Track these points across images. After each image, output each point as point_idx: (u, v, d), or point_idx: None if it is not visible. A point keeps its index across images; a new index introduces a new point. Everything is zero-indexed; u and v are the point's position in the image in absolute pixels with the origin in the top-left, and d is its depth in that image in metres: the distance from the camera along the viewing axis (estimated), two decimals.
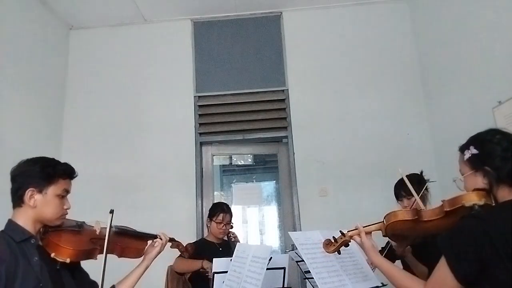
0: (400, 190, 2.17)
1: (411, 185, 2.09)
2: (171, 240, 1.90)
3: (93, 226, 1.58)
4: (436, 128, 3.35)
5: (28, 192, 1.38)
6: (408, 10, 3.72)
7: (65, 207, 1.47)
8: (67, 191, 1.49)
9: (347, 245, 1.53)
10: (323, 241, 1.57)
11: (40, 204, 1.40)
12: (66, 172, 1.48)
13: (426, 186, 2.01)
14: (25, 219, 1.39)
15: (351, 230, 1.53)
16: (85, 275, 1.60)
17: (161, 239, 1.77)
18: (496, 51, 2.51)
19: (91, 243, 1.50)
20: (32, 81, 3.24)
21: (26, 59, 3.18)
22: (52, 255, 1.38)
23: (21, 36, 3.14)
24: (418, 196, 1.91)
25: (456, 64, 2.98)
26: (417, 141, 3.38)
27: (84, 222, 1.60)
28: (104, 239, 1.44)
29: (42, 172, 1.41)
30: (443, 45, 3.16)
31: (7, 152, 2.80)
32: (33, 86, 3.25)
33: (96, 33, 3.87)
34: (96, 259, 1.50)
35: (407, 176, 2.19)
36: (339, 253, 1.54)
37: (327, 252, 1.53)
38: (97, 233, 1.55)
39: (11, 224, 1.39)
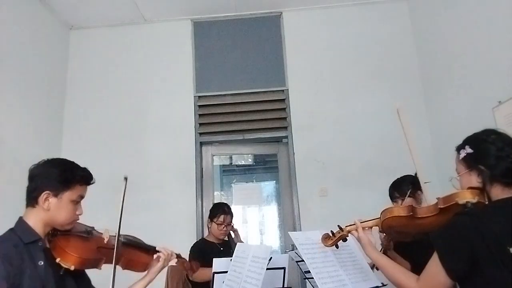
0: (394, 191, 2.22)
1: (405, 186, 2.15)
2: (177, 256, 1.80)
3: (101, 234, 1.56)
4: (436, 128, 3.35)
5: (44, 195, 1.36)
6: (408, 10, 3.71)
7: (77, 212, 1.46)
8: (82, 197, 1.47)
9: (345, 239, 1.56)
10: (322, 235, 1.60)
11: (54, 208, 1.38)
12: (84, 179, 1.47)
13: (420, 187, 2.02)
14: (36, 221, 1.37)
15: (349, 225, 1.56)
16: (88, 282, 1.57)
17: (164, 253, 1.68)
18: (496, 51, 2.50)
19: (98, 252, 1.48)
20: (32, 81, 3.24)
21: (26, 59, 3.18)
22: (57, 260, 1.36)
23: (21, 36, 3.14)
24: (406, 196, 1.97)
25: (456, 64, 2.98)
26: (417, 141, 3.37)
27: (93, 228, 1.58)
28: (112, 249, 1.43)
29: (61, 176, 1.40)
30: (443, 45, 3.16)
31: (7, 152, 2.81)
32: (33, 86, 3.25)
33: (96, 33, 3.87)
34: (101, 269, 1.47)
35: (401, 177, 2.26)
36: (337, 247, 1.57)
37: (325, 245, 1.56)
38: (105, 242, 1.52)
39: (22, 223, 1.37)
